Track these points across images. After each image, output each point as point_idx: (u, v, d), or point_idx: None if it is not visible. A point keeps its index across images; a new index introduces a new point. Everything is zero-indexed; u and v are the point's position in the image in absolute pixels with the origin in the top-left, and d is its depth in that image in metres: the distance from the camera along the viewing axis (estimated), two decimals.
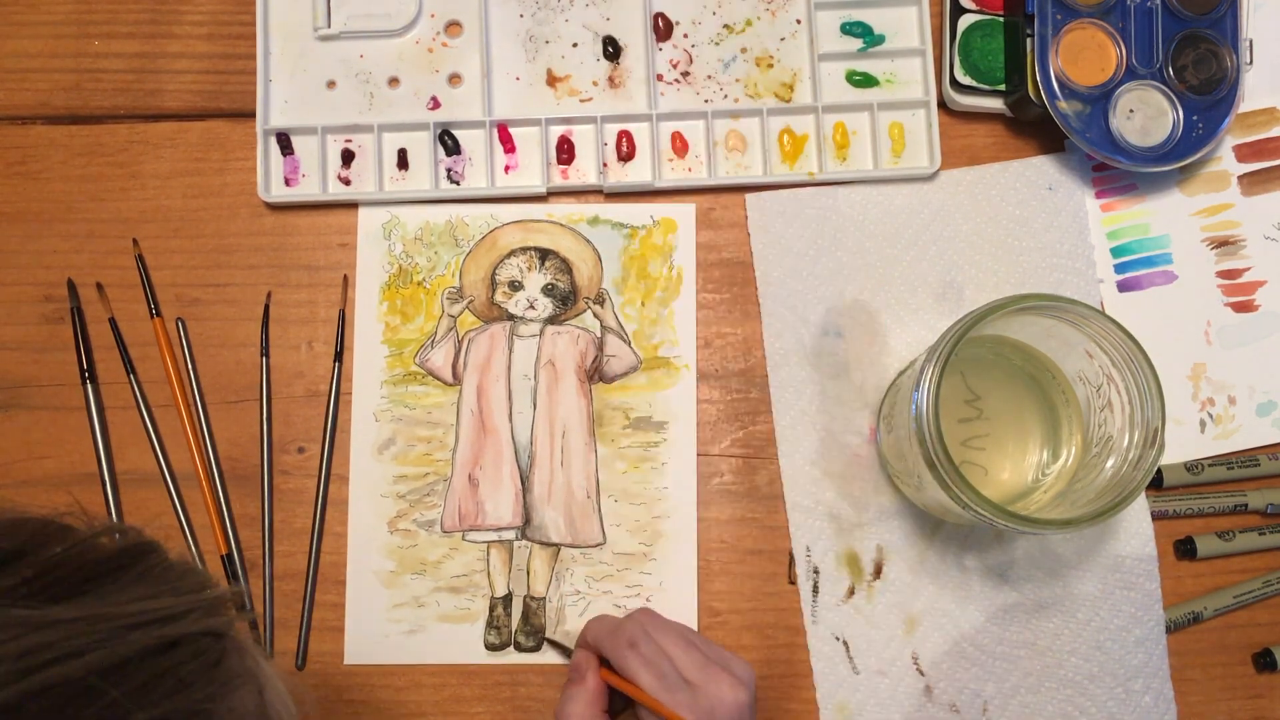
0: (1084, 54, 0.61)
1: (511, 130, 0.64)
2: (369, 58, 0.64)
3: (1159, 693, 0.59)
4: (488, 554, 0.60)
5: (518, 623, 0.60)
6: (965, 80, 0.63)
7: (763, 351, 0.62)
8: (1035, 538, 0.60)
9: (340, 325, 0.62)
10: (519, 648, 0.60)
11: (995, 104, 0.63)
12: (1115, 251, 0.63)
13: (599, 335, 0.62)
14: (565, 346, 0.62)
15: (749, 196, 0.63)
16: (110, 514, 0.60)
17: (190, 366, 0.62)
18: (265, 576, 0.60)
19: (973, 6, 0.63)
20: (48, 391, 0.62)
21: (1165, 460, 0.61)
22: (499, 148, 0.64)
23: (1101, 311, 0.52)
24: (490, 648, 0.60)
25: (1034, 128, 0.64)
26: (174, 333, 0.62)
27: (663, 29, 0.64)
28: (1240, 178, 0.64)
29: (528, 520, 0.61)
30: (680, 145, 0.63)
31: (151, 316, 0.62)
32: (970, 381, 0.58)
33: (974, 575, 0.60)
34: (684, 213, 0.63)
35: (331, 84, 0.64)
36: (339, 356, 0.62)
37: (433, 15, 0.64)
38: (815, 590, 0.60)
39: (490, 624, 0.60)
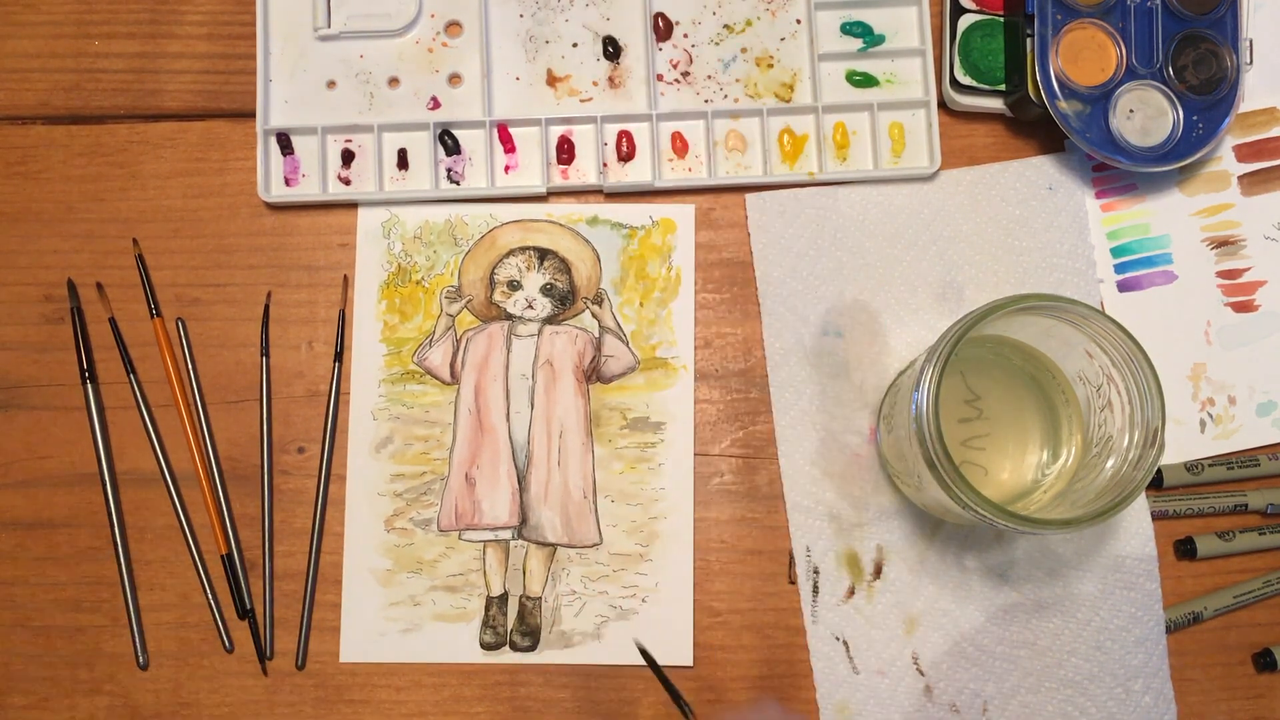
0: (1084, 54, 0.61)
1: (511, 130, 0.64)
2: (369, 58, 0.64)
3: (1159, 693, 0.59)
4: (484, 553, 0.60)
5: (513, 622, 0.60)
6: (965, 80, 0.63)
7: (762, 351, 0.62)
8: (1035, 538, 0.60)
9: (340, 325, 0.62)
10: (514, 647, 0.60)
11: (995, 104, 0.63)
12: (1115, 251, 0.63)
13: (597, 335, 0.62)
14: (563, 346, 0.62)
15: (749, 196, 0.63)
16: (110, 514, 0.60)
17: (190, 366, 0.62)
18: (265, 576, 0.60)
19: (973, 6, 0.63)
20: (48, 391, 0.62)
21: (1165, 460, 0.61)
22: (499, 148, 0.64)
23: (1101, 311, 0.52)
24: (485, 647, 0.60)
25: (1034, 128, 0.64)
26: (174, 333, 0.62)
27: (663, 29, 0.64)
28: (1240, 178, 0.64)
29: (524, 520, 0.61)
30: (680, 145, 0.63)
31: (151, 316, 0.62)
32: (970, 381, 0.58)
33: (974, 575, 0.60)
34: (683, 213, 0.63)
35: (331, 84, 0.64)
36: (339, 356, 0.62)
37: (433, 15, 0.64)
38: (815, 590, 0.60)
39: (486, 623, 0.60)
